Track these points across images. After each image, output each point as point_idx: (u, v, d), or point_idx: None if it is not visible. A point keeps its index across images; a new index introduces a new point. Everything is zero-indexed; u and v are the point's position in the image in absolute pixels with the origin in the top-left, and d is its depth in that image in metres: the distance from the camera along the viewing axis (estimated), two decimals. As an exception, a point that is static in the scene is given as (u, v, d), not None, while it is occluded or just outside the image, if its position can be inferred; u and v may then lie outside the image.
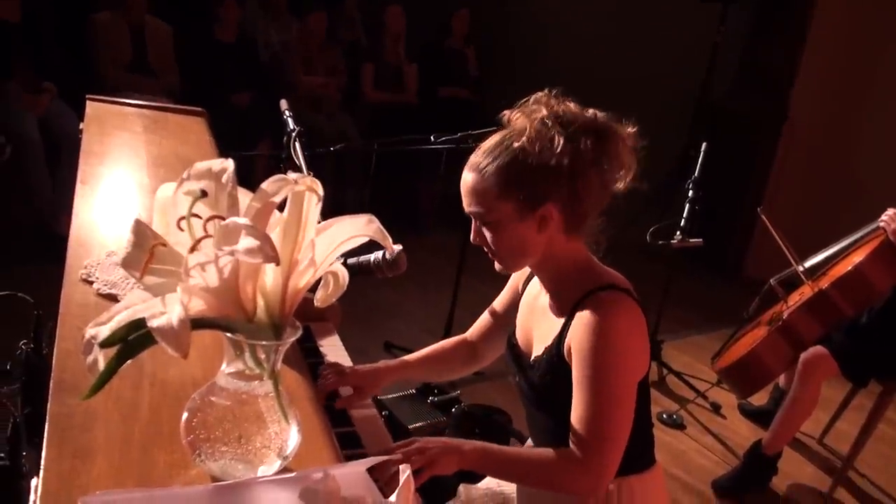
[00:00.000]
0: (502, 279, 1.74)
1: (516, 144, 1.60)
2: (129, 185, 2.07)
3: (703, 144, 4.33)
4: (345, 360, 2.16)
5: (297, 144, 2.42)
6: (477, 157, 1.66)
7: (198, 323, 0.97)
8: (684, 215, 4.08)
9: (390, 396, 3.29)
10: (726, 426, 4.12)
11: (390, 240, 1.07)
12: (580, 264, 1.73)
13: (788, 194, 5.87)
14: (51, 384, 1.22)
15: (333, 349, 2.27)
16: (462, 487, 2.03)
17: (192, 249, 0.97)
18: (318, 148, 2.98)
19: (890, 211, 3.43)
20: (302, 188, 1.03)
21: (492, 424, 3.12)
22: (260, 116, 5.36)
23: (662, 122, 4.22)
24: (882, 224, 3.44)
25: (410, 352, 4.06)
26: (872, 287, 3.45)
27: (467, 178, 1.66)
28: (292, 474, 1.05)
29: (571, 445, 1.60)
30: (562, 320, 1.69)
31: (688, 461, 3.73)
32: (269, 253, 0.91)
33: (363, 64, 6.28)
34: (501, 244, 1.67)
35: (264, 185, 1.02)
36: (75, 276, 1.56)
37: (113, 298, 1.51)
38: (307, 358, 1.88)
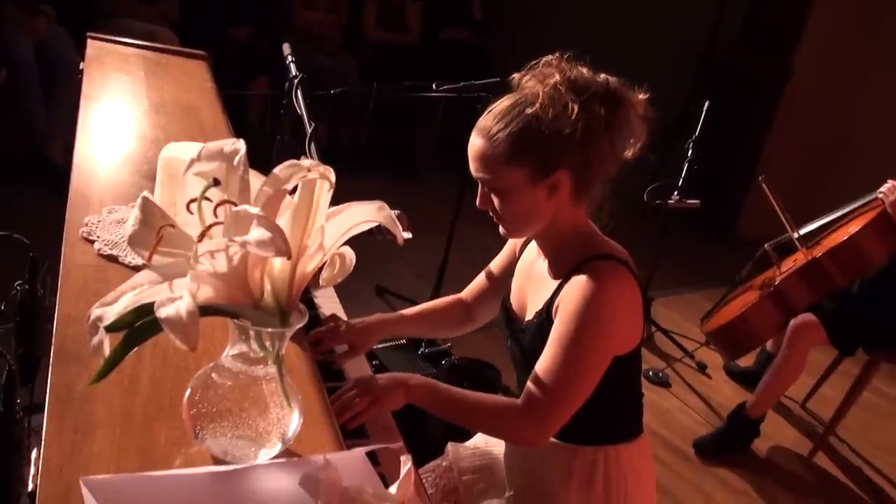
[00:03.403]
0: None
1: (529, 111, 1.57)
2: (130, 133, 2.04)
3: (706, 102, 4.29)
4: (339, 311, 2.16)
5: (299, 92, 2.39)
6: (487, 122, 1.62)
7: (205, 310, 0.96)
8: (682, 175, 4.06)
9: (381, 346, 3.31)
10: (711, 386, 4.16)
11: (401, 228, 1.05)
12: (581, 231, 1.72)
13: (787, 155, 5.81)
14: (52, 351, 1.21)
15: (327, 300, 2.28)
16: (450, 446, 2.05)
17: (202, 237, 0.95)
18: (316, 88, 2.95)
19: (889, 182, 3.43)
20: (315, 175, 1.01)
21: (481, 378, 3.15)
22: (258, 52, 5.27)
23: (665, 75, 4.18)
24: (880, 195, 3.44)
25: (402, 297, 4.09)
26: (866, 258, 3.47)
27: (476, 143, 1.63)
28: (292, 459, 1.05)
29: (524, 394, 1.61)
30: (556, 283, 1.69)
31: (671, 419, 3.78)
32: (280, 246, 0.90)
33: (365, 0, 6.15)
34: (509, 211, 1.66)
35: (276, 171, 1.00)
36: (76, 233, 1.54)
37: (114, 259, 1.50)
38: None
